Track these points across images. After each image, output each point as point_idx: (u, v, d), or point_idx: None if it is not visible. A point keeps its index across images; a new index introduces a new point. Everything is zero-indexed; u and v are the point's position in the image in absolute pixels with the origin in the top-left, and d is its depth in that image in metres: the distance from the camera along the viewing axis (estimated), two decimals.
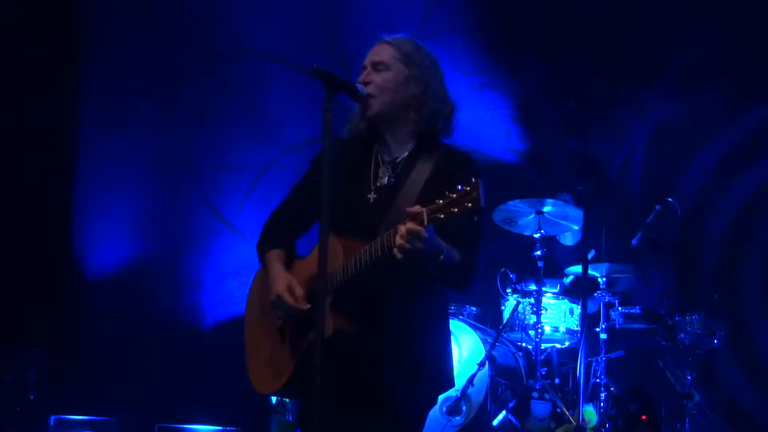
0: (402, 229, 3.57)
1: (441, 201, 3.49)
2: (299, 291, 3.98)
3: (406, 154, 4.09)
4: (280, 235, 4.24)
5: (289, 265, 4.16)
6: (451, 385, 4.13)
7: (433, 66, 4.13)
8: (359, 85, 4.02)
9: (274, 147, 9.33)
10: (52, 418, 7.77)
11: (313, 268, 3.73)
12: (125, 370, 8.60)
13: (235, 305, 8.91)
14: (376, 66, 4.09)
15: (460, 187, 3.46)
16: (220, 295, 9.06)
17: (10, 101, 8.40)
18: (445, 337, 4.14)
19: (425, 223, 3.53)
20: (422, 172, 3.99)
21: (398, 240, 3.59)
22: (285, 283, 4.02)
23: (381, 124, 4.10)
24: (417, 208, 3.57)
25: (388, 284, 3.88)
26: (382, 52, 4.12)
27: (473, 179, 3.45)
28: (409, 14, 9.10)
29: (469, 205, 3.43)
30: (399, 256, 3.61)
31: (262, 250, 4.24)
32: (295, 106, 9.03)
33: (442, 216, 3.49)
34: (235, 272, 8.97)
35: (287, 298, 3.98)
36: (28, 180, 8.56)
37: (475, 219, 3.63)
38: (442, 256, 3.69)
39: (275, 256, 4.17)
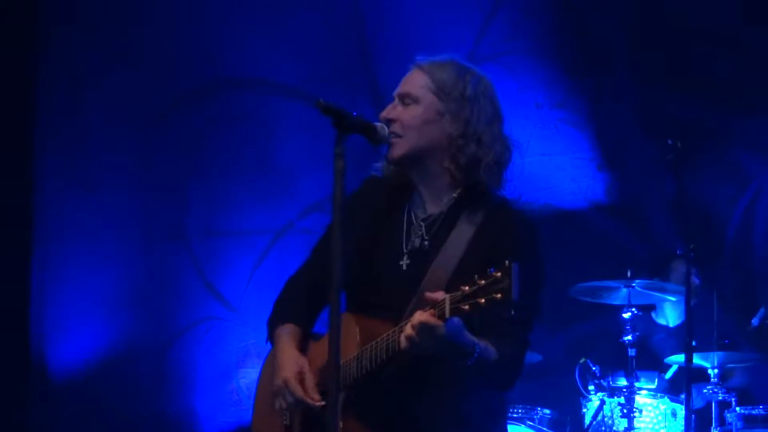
0: (415, 318, 3.65)
1: (467, 288, 3.56)
2: (310, 379, 4.06)
3: (444, 210, 4.13)
4: (294, 308, 4.32)
5: (303, 346, 4.23)
6: None
7: (479, 98, 4.10)
8: (379, 124, 4.00)
9: (288, 206, 9.39)
10: None
11: (325, 356, 3.74)
12: None
13: (239, 411, 9.03)
14: (404, 99, 4.12)
15: (492, 269, 3.52)
16: (218, 397, 9.15)
17: None
18: None
19: (446, 314, 3.60)
20: (463, 235, 4.02)
21: (408, 330, 3.66)
22: (295, 366, 4.10)
23: (411, 173, 4.16)
24: (439, 295, 3.64)
25: (418, 382, 3.96)
26: (412, 80, 4.15)
27: (506, 262, 3.49)
28: (461, 33, 9.19)
29: (498, 296, 3.49)
30: (404, 345, 3.70)
31: (272, 326, 4.31)
32: (314, 153, 8.89)
33: (467, 307, 3.56)
34: (238, 369, 9.07)
35: (295, 386, 4.05)
36: None
37: (512, 313, 3.66)
38: (472, 357, 3.74)
39: (286, 332, 4.25)
